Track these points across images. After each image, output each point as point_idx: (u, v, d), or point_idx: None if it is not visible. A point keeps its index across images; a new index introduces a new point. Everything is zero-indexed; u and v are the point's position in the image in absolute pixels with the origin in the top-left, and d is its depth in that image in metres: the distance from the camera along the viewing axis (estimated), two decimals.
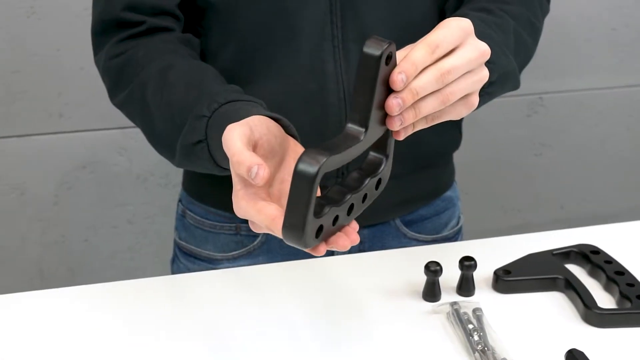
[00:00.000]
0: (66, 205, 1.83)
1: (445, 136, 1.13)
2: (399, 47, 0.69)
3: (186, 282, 1.00)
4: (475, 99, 0.74)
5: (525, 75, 1.95)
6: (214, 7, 1.00)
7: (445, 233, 1.18)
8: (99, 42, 0.99)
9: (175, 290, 0.98)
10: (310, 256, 1.08)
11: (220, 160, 0.80)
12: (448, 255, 0.99)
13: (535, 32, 1.02)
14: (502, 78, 0.89)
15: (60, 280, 1.88)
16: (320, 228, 0.66)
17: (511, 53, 0.92)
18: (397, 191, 1.09)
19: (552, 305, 0.93)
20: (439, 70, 0.68)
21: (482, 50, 0.72)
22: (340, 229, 0.70)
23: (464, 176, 2.07)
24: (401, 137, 0.71)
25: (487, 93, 0.87)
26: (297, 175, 0.62)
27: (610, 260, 0.98)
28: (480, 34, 0.83)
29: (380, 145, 0.73)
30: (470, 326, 0.87)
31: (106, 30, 0.98)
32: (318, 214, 0.65)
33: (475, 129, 2.03)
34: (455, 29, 0.70)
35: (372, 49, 0.65)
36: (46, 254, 1.87)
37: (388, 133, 0.72)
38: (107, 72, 0.97)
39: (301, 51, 0.98)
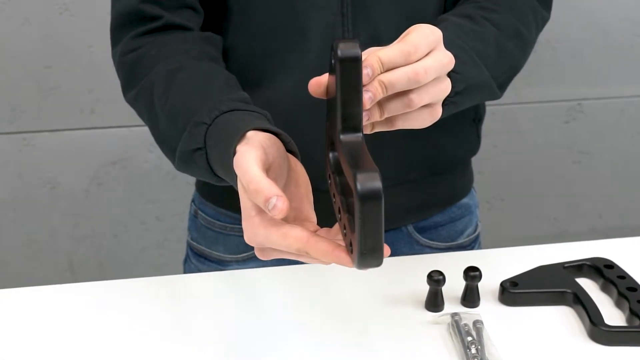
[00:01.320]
0: (97, 200, 1.84)
1: (461, 142, 1.10)
2: None
3: (194, 283, 0.99)
4: (439, 109, 0.73)
5: (564, 81, 1.94)
6: (229, 8, 0.99)
7: (460, 241, 1.15)
8: (116, 37, 0.98)
9: (184, 290, 0.97)
10: None
11: (217, 169, 0.78)
12: (456, 264, 0.97)
13: (523, 42, 0.98)
14: (470, 89, 0.86)
15: (89, 274, 1.90)
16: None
17: (489, 63, 0.90)
18: (410, 197, 1.07)
19: (559, 320, 0.90)
20: (414, 68, 0.67)
21: (451, 57, 0.72)
22: None
23: (498, 182, 2.04)
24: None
25: (452, 102, 0.84)
26: (366, 198, 0.58)
27: (623, 276, 0.94)
28: (449, 43, 0.80)
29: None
30: (469, 338, 0.84)
31: (125, 24, 0.97)
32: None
33: (512, 134, 1.99)
34: (430, 34, 0.70)
35: (350, 51, 0.63)
36: (77, 248, 1.89)
37: None
38: (121, 68, 0.97)
39: (311, 53, 0.97)
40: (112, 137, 1.78)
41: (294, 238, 0.64)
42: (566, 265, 0.97)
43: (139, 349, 0.85)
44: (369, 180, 0.59)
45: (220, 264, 1.11)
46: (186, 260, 1.19)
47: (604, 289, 0.95)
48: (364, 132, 0.68)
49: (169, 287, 0.98)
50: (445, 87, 0.72)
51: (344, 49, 0.63)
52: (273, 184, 0.64)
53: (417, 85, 0.68)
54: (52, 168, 1.80)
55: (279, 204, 0.63)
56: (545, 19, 1.03)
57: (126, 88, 0.96)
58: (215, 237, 1.12)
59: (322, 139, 0.98)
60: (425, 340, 0.87)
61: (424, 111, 0.72)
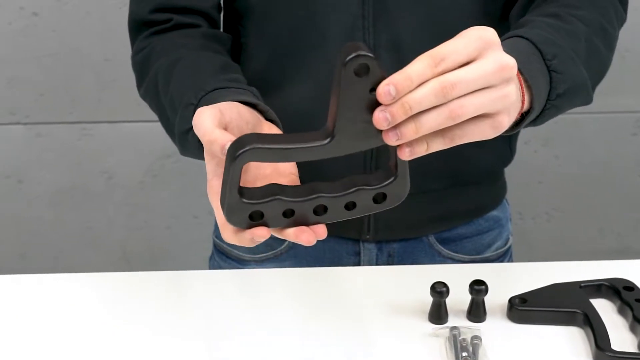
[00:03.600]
0: (151, 192, 1.88)
1: (490, 153, 1.06)
2: None
3: (208, 278, 1.01)
4: (504, 119, 0.65)
5: (633, 91, 1.86)
6: (250, 10, 1.00)
7: (487, 254, 1.11)
8: (131, 39, 1.03)
9: (198, 286, 0.98)
10: (336, 264, 1.07)
11: None
12: (470, 276, 0.94)
13: (609, 39, 0.92)
14: (571, 90, 0.81)
15: (142, 264, 1.94)
16: (260, 214, 0.67)
17: (583, 62, 0.84)
18: (431, 207, 1.05)
19: (566, 342, 0.86)
20: (441, 83, 0.61)
21: (504, 64, 0.63)
22: (309, 224, 0.69)
23: (559, 193, 1.98)
24: (406, 156, 0.63)
25: (553, 106, 0.79)
26: (226, 153, 0.64)
27: None
28: (546, 41, 0.77)
29: (394, 164, 0.69)
30: (464, 354, 0.82)
31: (137, 28, 1.01)
32: (251, 198, 0.66)
33: (575, 145, 1.93)
34: (474, 40, 0.63)
35: (342, 55, 0.61)
36: (130, 238, 1.93)
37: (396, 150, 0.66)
38: (134, 67, 1.01)
39: (330, 56, 0.95)
40: None
41: (219, 217, 0.68)
42: (583, 284, 0.93)
43: (133, 343, 0.87)
44: (240, 143, 0.64)
45: (239, 263, 1.12)
46: (211, 257, 1.20)
47: (621, 311, 0.91)
48: (415, 153, 0.64)
49: (180, 283, 0.99)
50: (503, 95, 0.64)
51: (344, 49, 0.60)
52: (226, 133, 0.68)
53: (446, 100, 0.61)
54: (109, 158, 1.84)
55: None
56: (623, 18, 0.98)
57: (138, 85, 1.00)
58: None
59: None
60: (421, 352, 0.85)
61: (484, 122, 0.64)
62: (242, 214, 0.67)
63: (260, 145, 0.63)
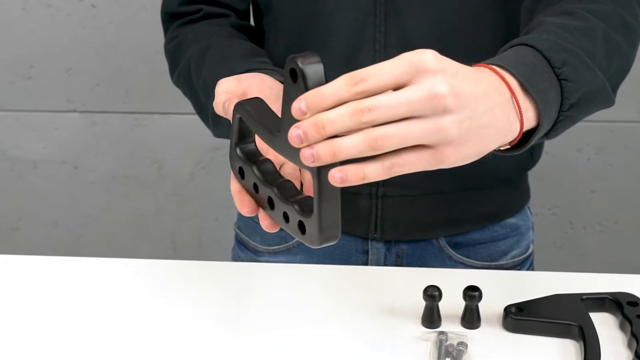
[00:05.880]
0: (200, 183, 1.92)
1: (506, 157, 1.04)
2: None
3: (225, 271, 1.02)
4: (448, 153, 0.61)
5: None
6: (269, 6, 1.03)
7: (502, 262, 1.09)
8: (164, 29, 1.08)
9: (218, 277, 1.00)
10: (345, 260, 1.07)
11: None
12: (473, 282, 0.93)
13: (632, 33, 0.86)
14: (586, 97, 0.76)
15: (190, 254, 1.98)
16: (243, 174, 0.71)
17: (600, 63, 0.79)
18: (439, 209, 1.04)
19: (558, 354, 0.84)
20: (356, 104, 0.58)
21: (434, 92, 0.59)
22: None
23: (612, 203, 1.92)
24: (337, 182, 0.59)
25: (567, 117, 0.75)
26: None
27: None
28: (554, 47, 0.73)
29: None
30: (448, 359, 0.81)
31: (169, 19, 1.07)
32: (244, 155, 0.71)
33: (630, 154, 1.88)
34: (403, 64, 0.60)
35: (294, 62, 0.60)
36: (179, 227, 1.97)
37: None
38: (166, 55, 1.06)
39: (338, 54, 0.97)
40: None
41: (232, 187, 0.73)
42: (585, 297, 0.91)
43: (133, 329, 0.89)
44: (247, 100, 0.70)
45: (255, 254, 1.13)
46: (233, 247, 1.22)
47: (622, 327, 0.88)
48: (348, 180, 0.60)
49: (185, 273, 1.01)
50: (437, 128, 0.60)
51: (302, 60, 0.59)
52: (227, 93, 0.76)
53: (361, 126, 0.58)
54: (160, 149, 1.89)
55: (227, 105, 0.75)
56: None
57: (171, 72, 1.05)
58: (254, 227, 1.14)
59: None
60: (407, 355, 0.84)
61: (424, 152, 0.61)
62: (234, 163, 0.72)
63: (246, 106, 0.67)
